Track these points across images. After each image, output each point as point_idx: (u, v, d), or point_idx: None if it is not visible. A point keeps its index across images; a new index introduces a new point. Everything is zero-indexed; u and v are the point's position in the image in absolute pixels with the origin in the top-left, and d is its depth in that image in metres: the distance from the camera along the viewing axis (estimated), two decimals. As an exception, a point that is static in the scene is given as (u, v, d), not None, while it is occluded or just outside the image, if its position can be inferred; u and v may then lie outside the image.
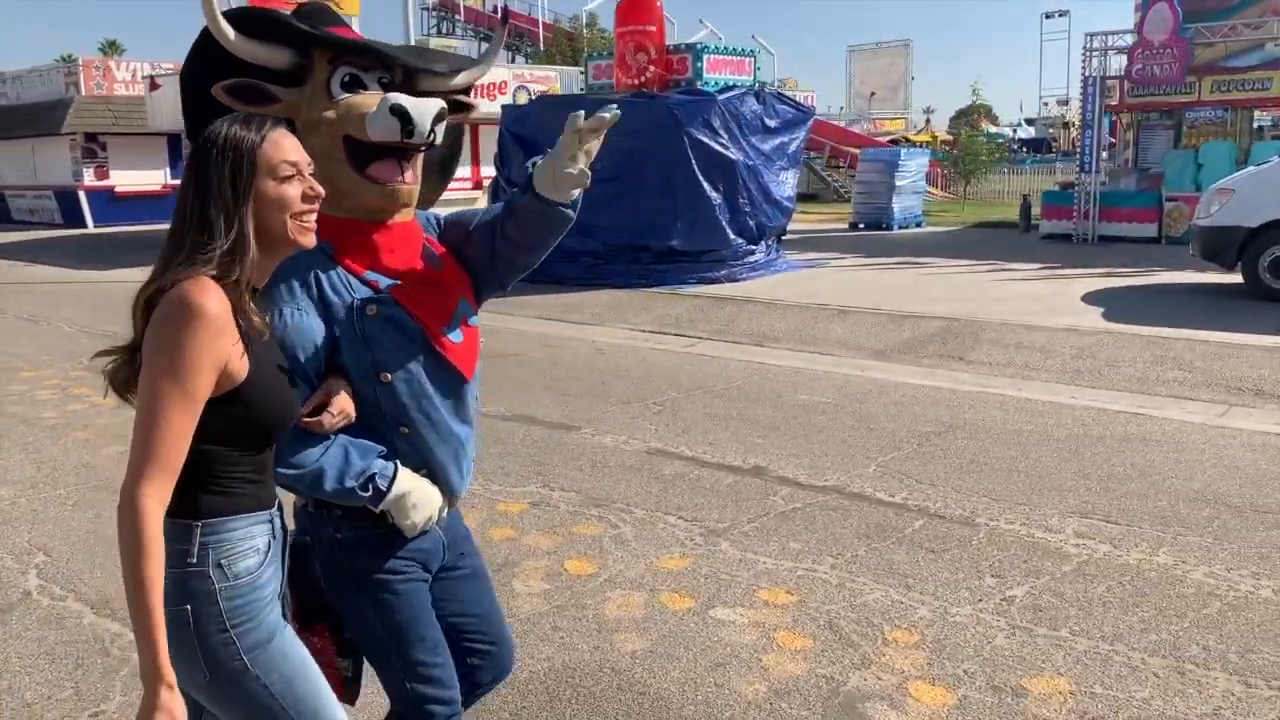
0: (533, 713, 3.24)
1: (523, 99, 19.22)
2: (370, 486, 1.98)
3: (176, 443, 1.66)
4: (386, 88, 2.09)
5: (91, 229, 24.80)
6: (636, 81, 14.28)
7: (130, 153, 25.59)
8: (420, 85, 2.20)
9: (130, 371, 1.77)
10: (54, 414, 7.15)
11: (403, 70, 2.17)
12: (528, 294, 12.80)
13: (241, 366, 1.75)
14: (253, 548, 1.84)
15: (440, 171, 2.45)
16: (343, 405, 1.98)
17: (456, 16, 39.85)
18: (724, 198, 13.24)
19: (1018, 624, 3.78)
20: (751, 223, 13.66)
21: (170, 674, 1.64)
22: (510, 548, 4.60)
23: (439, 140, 2.07)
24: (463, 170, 20.75)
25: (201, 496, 1.78)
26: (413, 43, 18.04)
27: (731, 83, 14.56)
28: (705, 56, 14.62)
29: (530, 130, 14.39)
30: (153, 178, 26.04)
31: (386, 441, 2.05)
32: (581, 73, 19.46)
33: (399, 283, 2.06)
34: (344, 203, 2.03)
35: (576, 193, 2.05)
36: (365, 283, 2.04)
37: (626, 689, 3.37)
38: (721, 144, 13.15)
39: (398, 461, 2.03)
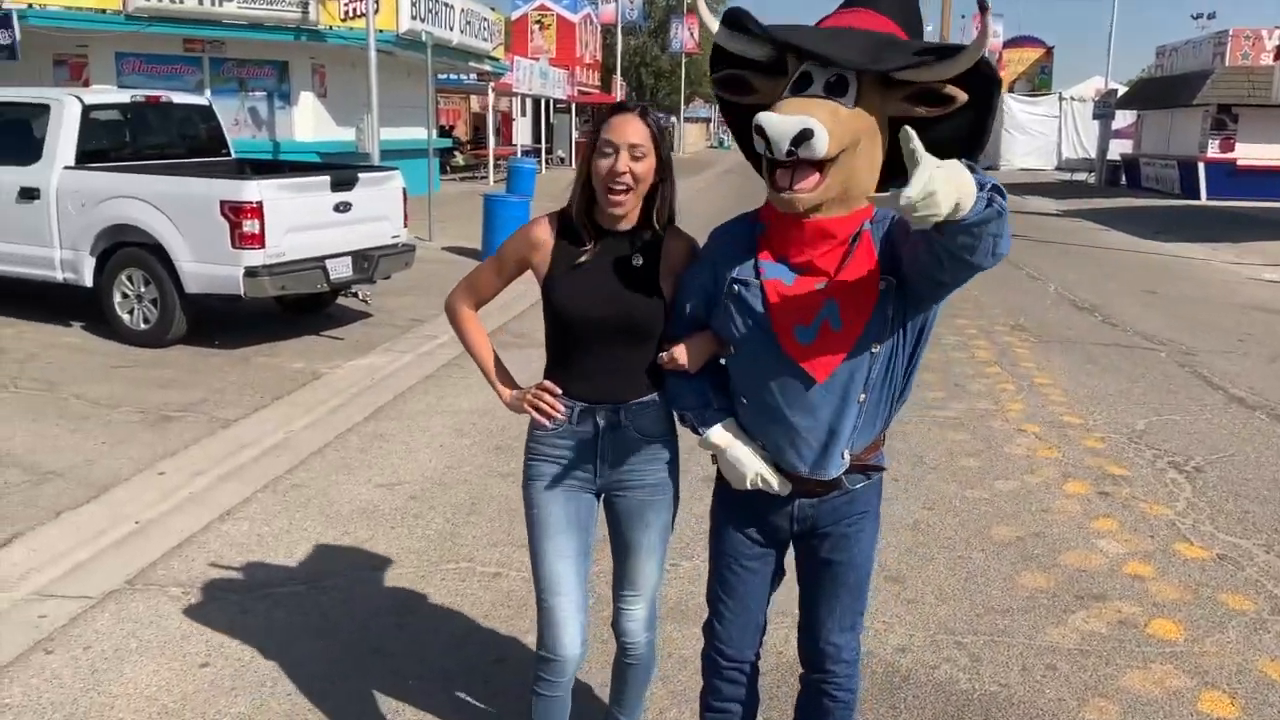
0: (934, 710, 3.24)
1: None
2: (686, 421, 2.41)
3: (481, 276, 2.56)
4: (832, 88, 2.12)
5: (1202, 201, 24.80)
6: None
7: (1260, 125, 24.62)
8: (896, 77, 2.13)
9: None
10: (949, 356, 8.19)
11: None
12: None
13: (543, 268, 2.43)
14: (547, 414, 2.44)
15: (964, 154, 2.16)
16: (678, 355, 2.34)
17: None
18: None
19: None
20: None
21: (504, 393, 2.51)
22: (1122, 584, 4.16)
23: (819, 154, 2.04)
24: None
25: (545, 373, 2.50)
26: None
27: None
28: None
29: None
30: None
31: (733, 402, 2.37)
32: None
33: (782, 273, 2.22)
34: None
35: (963, 211, 1.83)
36: (757, 267, 2.24)
37: (1029, 743, 3.09)
38: None
39: (730, 420, 2.33)
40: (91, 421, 6.05)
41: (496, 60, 22.32)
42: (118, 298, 7.94)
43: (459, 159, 26.30)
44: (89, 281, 8.02)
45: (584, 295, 2.38)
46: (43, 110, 8.08)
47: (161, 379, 7.05)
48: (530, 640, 3.62)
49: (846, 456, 2.29)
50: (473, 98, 32.33)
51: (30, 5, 13.02)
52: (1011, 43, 44.65)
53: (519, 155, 26.28)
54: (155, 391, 6.72)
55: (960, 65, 2.07)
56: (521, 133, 31.05)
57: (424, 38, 14.54)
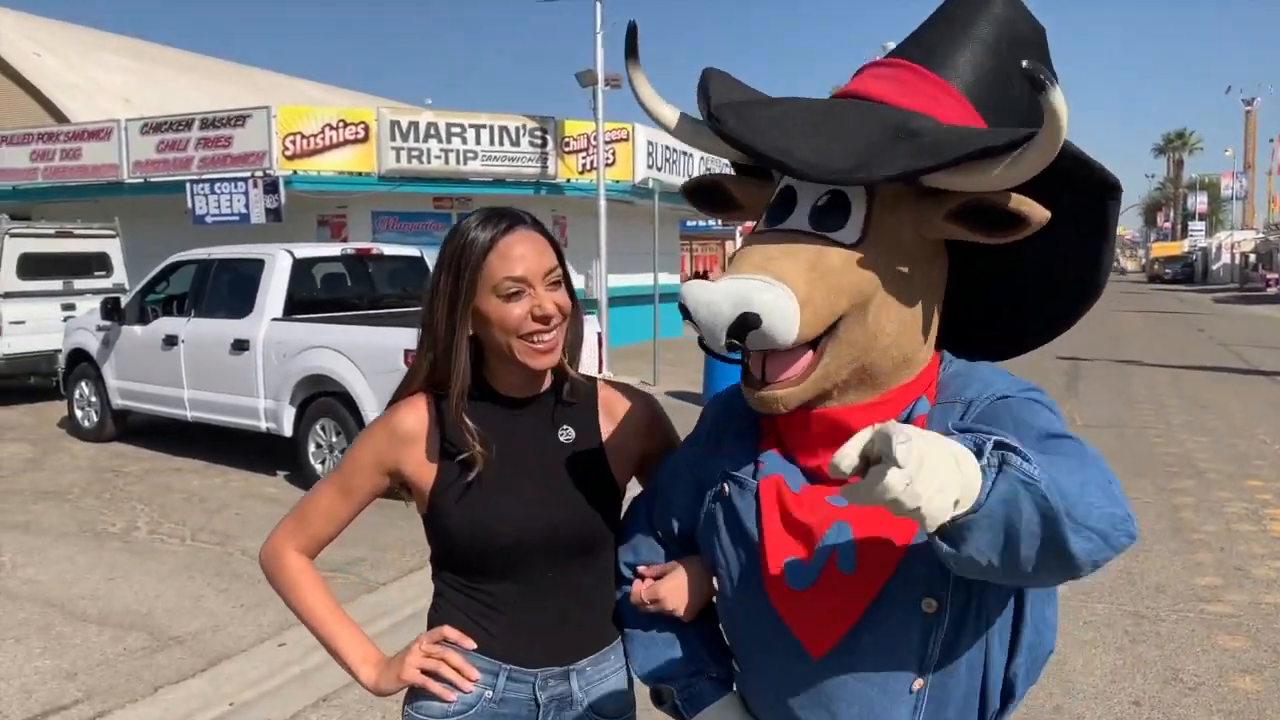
0: None
1: None
2: (665, 700, 1.58)
3: (319, 512, 1.69)
4: (823, 216, 1.36)
5: None
6: None
7: None
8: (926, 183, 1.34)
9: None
10: (1220, 527, 6.64)
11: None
12: None
13: (423, 477, 1.63)
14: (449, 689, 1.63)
15: (1069, 296, 1.45)
16: (661, 592, 1.54)
17: None
18: None
19: None
20: None
21: (364, 670, 1.63)
22: None
23: (780, 344, 1.29)
24: None
25: (430, 615, 1.73)
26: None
27: None
28: None
29: None
30: None
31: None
32: None
33: (788, 473, 1.43)
34: None
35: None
36: (756, 461, 1.48)
37: None
38: None
39: (731, 697, 1.53)
40: (241, 581, 5.81)
41: (742, 204, 22.31)
42: (311, 447, 7.92)
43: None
44: (289, 431, 8.07)
45: (507, 512, 1.60)
46: (258, 265, 8.37)
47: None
48: None
49: None
50: (727, 243, 32.73)
51: (295, 172, 14.11)
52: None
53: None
54: (320, 548, 6.47)
55: (1019, 170, 1.22)
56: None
57: (650, 184, 14.54)
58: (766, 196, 1.45)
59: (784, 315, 1.26)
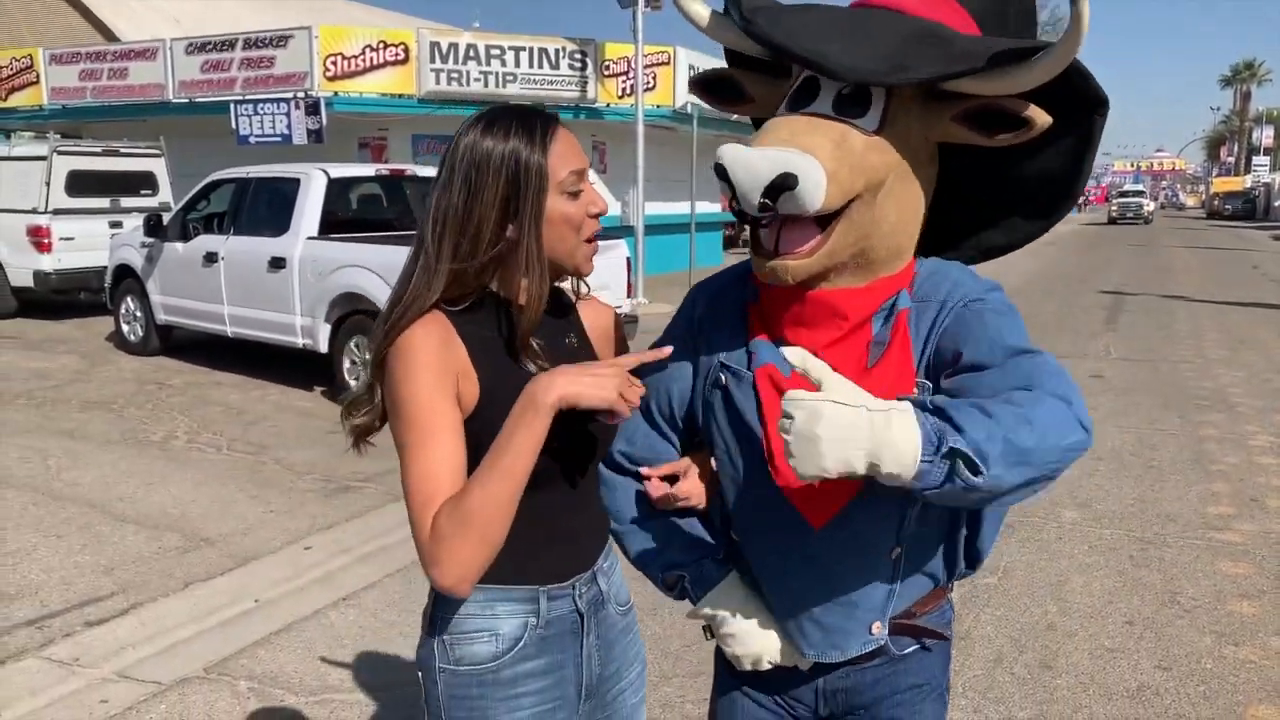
0: None
1: None
2: (678, 587, 1.67)
3: (432, 481, 1.40)
4: (845, 104, 1.44)
5: None
6: None
7: None
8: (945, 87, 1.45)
9: (374, 419, 1.58)
10: (1239, 459, 6.63)
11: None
12: None
13: (467, 395, 1.48)
14: (488, 631, 1.51)
15: (1047, 202, 1.60)
16: (690, 489, 1.62)
17: None
18: None
19: None
20: None
21: (534, 403, 1.37)
22: None
23: (809, 209, 1.37)
24: None
25: None
26: None
27: None
28: None
29: None
30: None
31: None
32: None
33: (778, 361, 1.52)
34: None
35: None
36: (749, 351, 1.57)
37: None
38: None
39: (731, 573, 1.64)
40: (274, 488, 6.04)
41: (786, 132, 21.99)
42: (346, 364, 8.12)
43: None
44: (324, 348, 8.26)
45: (566, 427, 1.47)
46: (294, 184, 8.50)
47: (365, 447, 7.01)
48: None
49: (878, 629, 1.57)
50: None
51: (336, 93, 14.16)
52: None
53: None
54: (352, 460, 6.63)
55: (1036, 75, 1.36)
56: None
57: (689, 109, 14.42)
58: (781, 91, 1.56)
59: (816, 182, 1.36)
